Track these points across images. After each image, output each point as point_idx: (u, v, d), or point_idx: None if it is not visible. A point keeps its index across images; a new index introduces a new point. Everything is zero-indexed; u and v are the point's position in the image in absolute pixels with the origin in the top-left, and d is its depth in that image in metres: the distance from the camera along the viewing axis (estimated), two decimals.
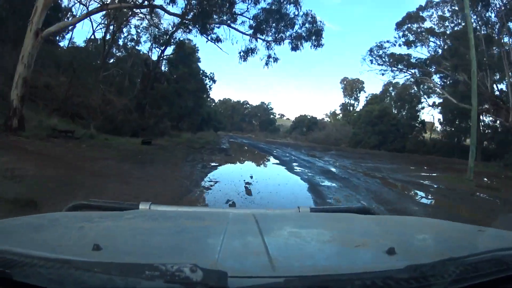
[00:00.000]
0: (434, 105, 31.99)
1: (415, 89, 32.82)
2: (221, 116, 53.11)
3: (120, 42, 27.44)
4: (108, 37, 22.75)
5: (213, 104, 55.91)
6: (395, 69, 22.46)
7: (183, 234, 1.16)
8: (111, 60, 27.12)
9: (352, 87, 54.29)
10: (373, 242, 1.07)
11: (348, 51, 57.51)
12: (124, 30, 25.99)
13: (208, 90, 35.34)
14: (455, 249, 1.00)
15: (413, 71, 22.99)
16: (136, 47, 27.36)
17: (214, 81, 34.64)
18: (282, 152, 20.85)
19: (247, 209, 1.82)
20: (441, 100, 30.24)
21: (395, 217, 2.13)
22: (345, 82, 54.91)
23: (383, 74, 23.35)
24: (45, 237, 1.04)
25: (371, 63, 23.06)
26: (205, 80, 32.62)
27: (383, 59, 22.36)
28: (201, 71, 31.67)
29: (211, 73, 34.27)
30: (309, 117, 57.04)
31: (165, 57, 23.76)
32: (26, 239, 1.01)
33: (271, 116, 68.06)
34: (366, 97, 46.14)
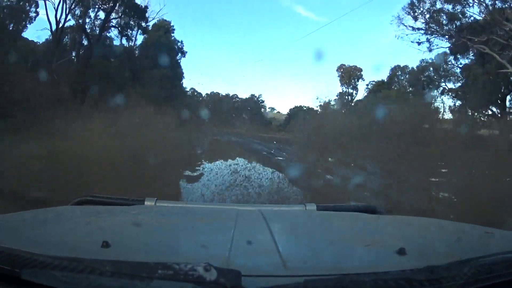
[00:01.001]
0: (447, 90, 27.37)
1: (431, 72, 28.17)
2: (207, 110, 47.33)
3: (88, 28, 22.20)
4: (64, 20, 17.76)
5: (201, 98, 50.25)
6: (439, 33, 17.11)
7: (191, 231, 1.17)
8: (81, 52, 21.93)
9: (349, 75, 49.27)
10: (382, 242, 1.09)
11: (342, 38, 52.66)
12: (92, 14, 21.34)
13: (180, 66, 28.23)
14: (466, 251, 1.00)
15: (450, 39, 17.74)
16: (107, 34, 22.25)
17: (183, 54, 28.29)
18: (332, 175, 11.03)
19: (253, 206, 1.96)
20: (457, 85, 25.75)
21: (401, 217, 1.82)
22: (341, 70, 49.82)
23: (419, 43, 18.00)
24: (52, 233, 1.03)
25: (415, 21, 17.17)
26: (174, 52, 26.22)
27: (426, 18, 16.93)
28: (176, 50, 25.58)
29: (178, 41, 27.32)
30: (305, 108, 51.43)
31: (115, 24, 17.90)
32: (33, 235, 1.00)
33: (262, 109, 62.48)
34: (367, 85, 41.54)
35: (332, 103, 48.73)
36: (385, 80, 35.46)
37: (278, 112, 60.42)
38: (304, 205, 1.50)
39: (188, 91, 38.42)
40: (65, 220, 1.19)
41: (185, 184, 9.80)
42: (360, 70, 50.63)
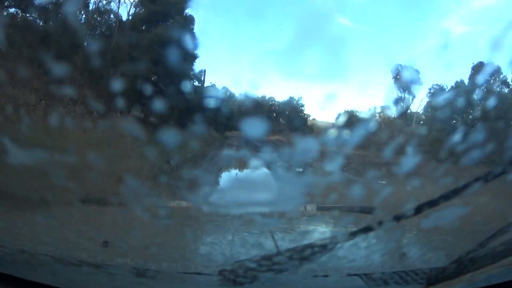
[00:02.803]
0: None
1: None
2: (238, 113, 41.35)
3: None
4: None
5: (234, 98, 44.51)
6: None
7: (192, 233, 1.25)
8: None
9: (405, 77, 41.14)
10: (382, 243, 1.19)
11: (400, 32, 44.93)
12: None
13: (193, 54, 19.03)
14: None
15: None
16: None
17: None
18: None
19: (254, 208, 2.08)
20: None
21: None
22: (397, 71, 41.82)
23: None
24: (54, 232, 1.06)
25: None
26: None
27: None
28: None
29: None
30: (357, 113, 43.34)
31: None
32: (35, 234, 1.03)
33: (302, 113, 55.26)
34: (430, 89, 33.64)
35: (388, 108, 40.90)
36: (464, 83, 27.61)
37: (314, 118, 53.03)
38: (305, 206, 1.54)
39: (218, 89, 33.12)
40: (66, 219, 1.18)
41: None
42: (417, 72, 42.07)
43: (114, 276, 0.73)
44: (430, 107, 31.42)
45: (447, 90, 31.68)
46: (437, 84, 33.36)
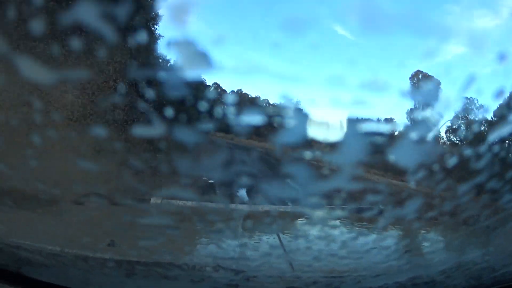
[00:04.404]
0: None
1: None
2: (227, 114, 34.08)
3: None
4: None
5: (226, 95, 37.01)
6: None
7: (198, 231, 1.19)
8: None
9: (424, 87, 34.94)
10: (386, 244, 1.14)
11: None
12: None
13: None
14: (464, 257, 1.06)
15: None
16: None
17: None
18: None
19: (260, 206, 1.88)
20: None
21: (406, 220, 1.80)
22: (416, 79, 35.48)
23: None
24: (59, 231, 1.01)
25: None
26: None
27: None
28: None
29: None
30: (363, 121, 36.42)
31: None
32: (39, 232, 0.97)
33: (300, 117, 48.15)
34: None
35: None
36: None
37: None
38: (311, 206, 1.41)
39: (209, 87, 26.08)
40: (71, 217, 1.14)
41: None
42: (438, 82, 35.78)
43: (118, 276, 0.65)
44: (465, 124, 25.53)
45: (477, 104, 25.48)
46: (467, 97, 27.55)
